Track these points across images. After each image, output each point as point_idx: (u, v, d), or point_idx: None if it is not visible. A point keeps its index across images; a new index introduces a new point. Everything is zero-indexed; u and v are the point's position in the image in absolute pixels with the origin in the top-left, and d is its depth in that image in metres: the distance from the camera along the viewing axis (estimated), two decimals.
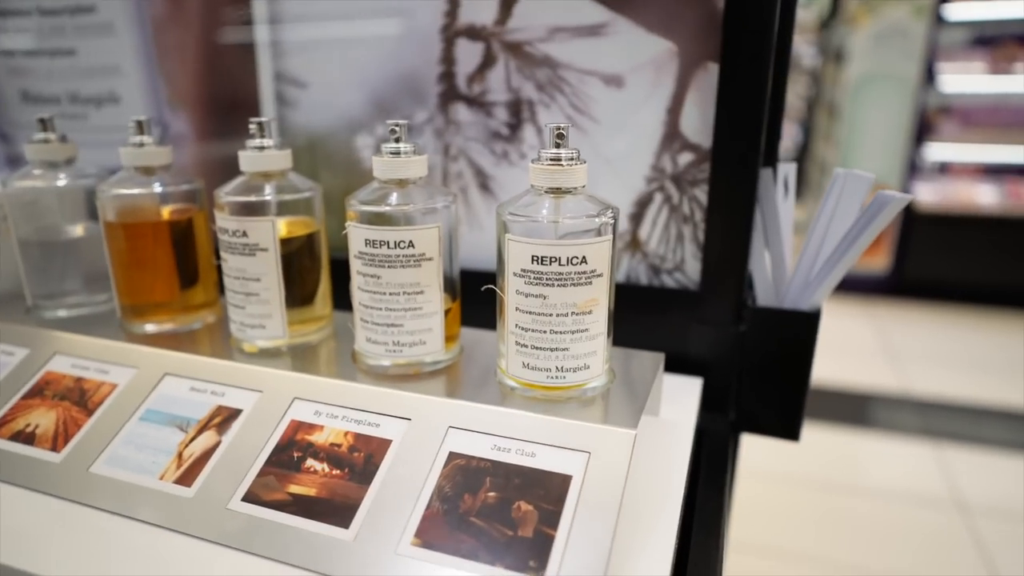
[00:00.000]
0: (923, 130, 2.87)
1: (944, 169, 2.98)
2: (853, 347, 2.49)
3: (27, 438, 0.50)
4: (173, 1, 0.70)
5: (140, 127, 0.54)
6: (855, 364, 2.34)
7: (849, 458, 1.78)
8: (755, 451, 1.68)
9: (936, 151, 2.94)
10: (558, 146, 0.42)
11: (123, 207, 0.55)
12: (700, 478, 0.53)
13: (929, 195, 2.86)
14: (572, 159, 0.42)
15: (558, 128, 0.42)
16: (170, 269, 0.57)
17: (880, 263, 2.98)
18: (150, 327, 0.57)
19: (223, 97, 0.71)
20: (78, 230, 0.61)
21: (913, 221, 2.85)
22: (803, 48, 3.21)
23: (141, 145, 0.54)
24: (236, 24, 0.68)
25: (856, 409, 2.03)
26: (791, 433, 0.62)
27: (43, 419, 0.51)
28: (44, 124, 0.58)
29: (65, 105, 0.77)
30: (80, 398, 0.52)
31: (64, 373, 0.54)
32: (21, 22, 0.76)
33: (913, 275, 2.94)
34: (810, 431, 1.88)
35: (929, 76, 2.80)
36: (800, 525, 1.50)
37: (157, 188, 0.55)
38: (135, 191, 0.55)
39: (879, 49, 2.84)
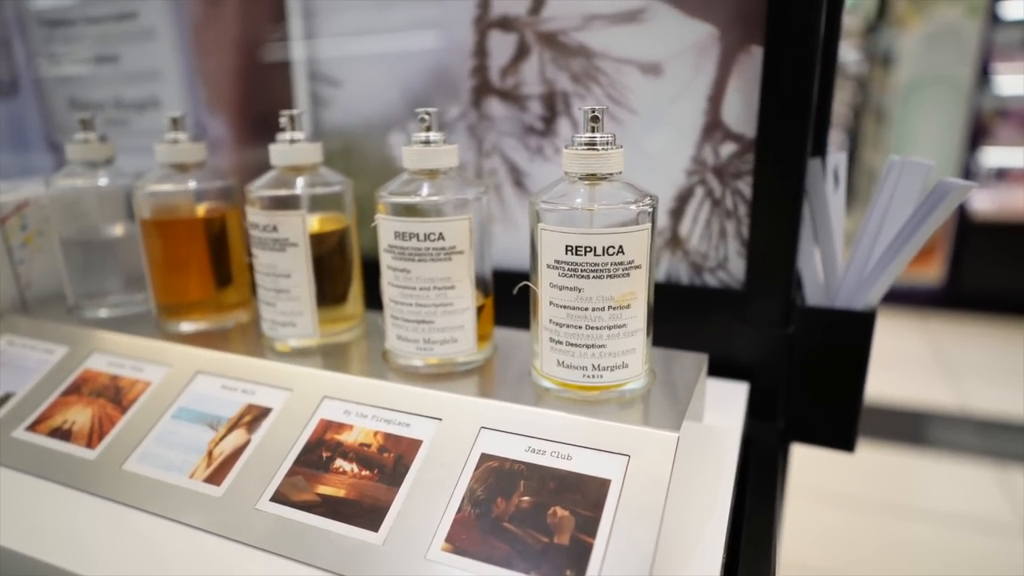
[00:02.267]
0: (978, 134, 2.75)
1: (1001, 175, 2.85)
2: (906, 362, 2.38)
3: (64, 435, 0.50)
4: (211, 4, 0.71)
5: (175, 124, 0.55)
6: (909, 380, 2.24)
7: (904, 479, 1.69)
8: (803, 470, 1.61)
9: (992, 156, 2.81)
10: (593, 130, 0.40)
11: (158, 204, 0.55)
12: (748, 490, 0.50)
13: (986, 203, 2.73)
14: (608, 143, 0.40)
15: (592, 111, 0.40)
16: (204, 267, 0.57)
17: (934, 274, 2.86)
18: (185, 326, 0.57)
19: (259, 99, 0.72)
20: (117, 230, 0.62)
21: (969, 230, 2.73)
22: (849, 54, 3.13)
23: (175, 142, 0.55)
24: (271, 24, 0.68)
25: (911, 427, 1.94)
26: (845, 443, 0.58)
27: (80, 416, 0.51)
28: (84, 124, 0.59)
29: (109, 111, 0.79)
30: (115, 395, 0.51)
31: (101, 371, 0.54)
32: (69, 31, 0.79)
33: (969, 286, 2.80)
34: (862, 449, 1.80)
35: (984, 78, 2.69)
36: (853, 549, 1.43)
37: (191, 185, 0.55)
38: (169, 188, 0.55)
39: (930, 51, 2.74)
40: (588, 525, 0.36)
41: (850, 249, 0.55)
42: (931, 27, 2.72)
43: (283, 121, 0.50)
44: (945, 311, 2.83)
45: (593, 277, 0.40)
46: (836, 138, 3.19)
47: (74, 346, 0.57)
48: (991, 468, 1.70)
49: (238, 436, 0.46)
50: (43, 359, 0.56)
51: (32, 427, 0.51)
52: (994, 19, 2.64)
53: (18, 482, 0.47)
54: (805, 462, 1.64)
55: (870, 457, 1.76)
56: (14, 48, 0.83)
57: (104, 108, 0.79)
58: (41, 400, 0.53)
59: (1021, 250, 2.69)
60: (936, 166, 0.47)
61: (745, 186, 0.56)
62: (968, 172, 2.76)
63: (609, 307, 0.41)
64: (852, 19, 3.09)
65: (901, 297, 2.84)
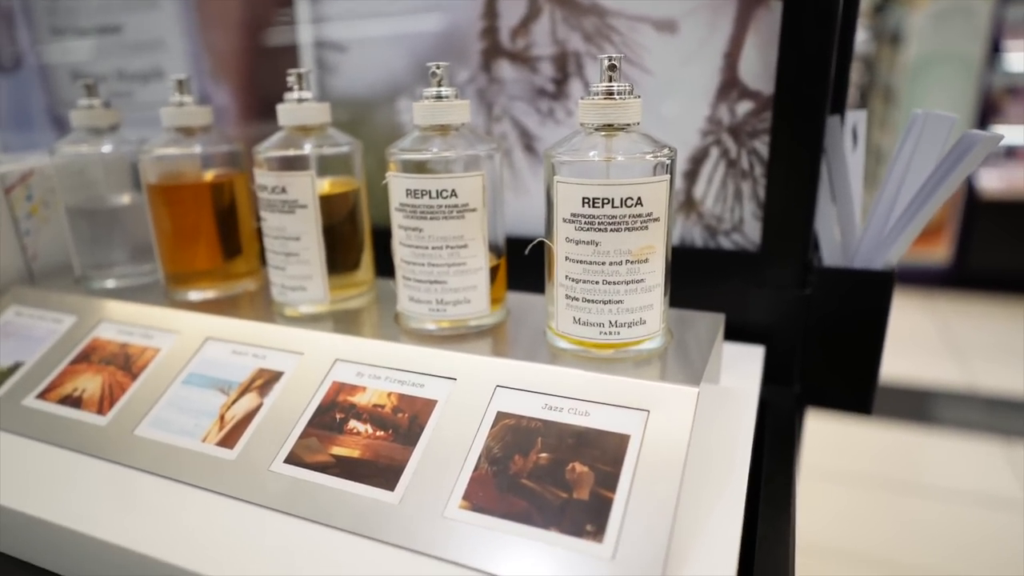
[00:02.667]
0: (988, 112, 2.71)
1: (1011, 153, 2.82)
2: (914, 341, 2.37)
3: (74, 402, 0.49)
4: None
5: (180, 86, 0.54)
6: (917, 358, 2.23)
7: (912, 456, 1.69)
8: (812, 448, 1.61)
9: (1002, 135, 2.78)
10: (610, 79, 0.39)
11: (165, 170, 0.54)
12: (765, 453, 0.49)
13: (994, 181, 2.71)
14: (625, 93, 0.39)
15: (610, 59, 0.39)
16: (212, 235, 0.56)
17: (941, 253, 2.84)
18: (193, 294, 0.56)
19: (264, 66, 0.71)
20: (124, 199, 0.61)
21: (977, 208, 2.70)
22: (856, 33, 3.09)
23: (181, 105, 0.54)
24: None
25: (918, 405, 1.93)
26: (862, 405, 0.57)
27: (90, 383, 0.50)
28: (89, 89, 0.58)
29: (112, 83, 0.78)
30: (125, 363, 0.51)
31: (110, 339, 0.53)
32: (70, 2, 0.77)
33: (977, 265, 2.78)
34: (870, 428, 1.79)
35: (994, 55, 2.65)
36: (861, 526, 1.43)
37: (197, 149, 0.54)
38: (175, 151, 0.54)
39: (939, 29, 2.70)
40: (608, 480, 0.36)
41: (869, 207, 0.54)
42: (941, 4, 2.68)
43: (290, 80, 0.49)
44: (953, 290, 2.81)
45: (611, 230, 0.39)
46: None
47: (82, 315, 0.56)
48: (999, 445, 1.70)
49: (250, 400, 0.45)
50: (51, 329, 0.56)
51: (42, 395, 0.51)
52: None
53: (30, 449, 0.47)
54: (813, 440, 1.63)
55: (878, 435, 1.76)
56: (16, 22, 0.82)
57: (108, 80, 0.78)
58: (50, 369, 0.52)
59: None
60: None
61: (762, 145, 0.54)
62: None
63: (627, 261, 0.40)
64: None
65: (909, 276, 2.82)
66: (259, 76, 0.72)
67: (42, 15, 0.80)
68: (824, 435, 1.70)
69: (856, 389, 0.57)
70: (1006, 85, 2.74)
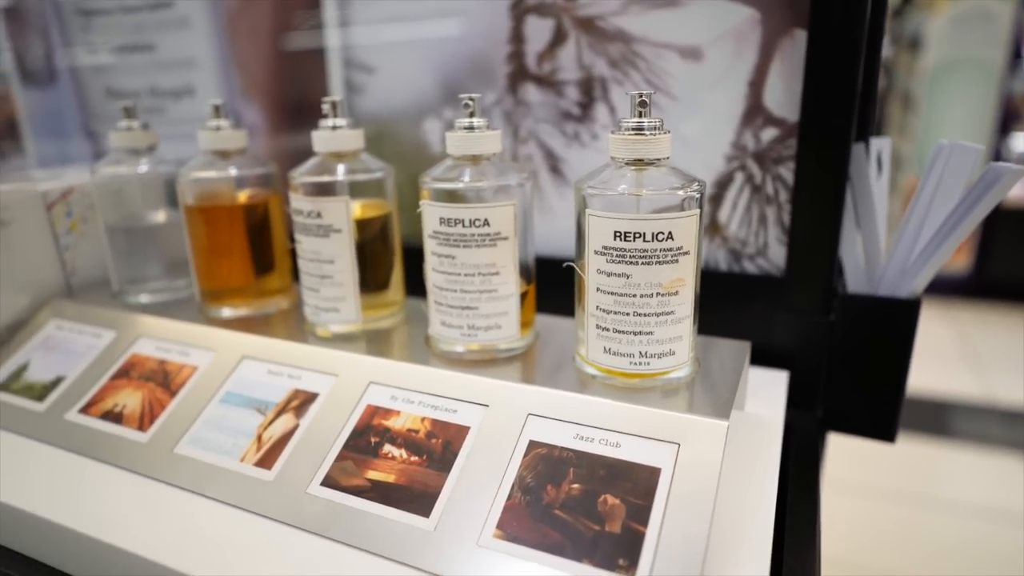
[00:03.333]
0: (1009, 119, 2.69)
1: None
2: (932, 351, 2.35)
3: (116, 417, 0.51)
4: None
5: (217, 111, 0.55)
6: (935, 369, 2.21)
7: (929, 469, 1.68)
8: (829, 460, 1.60)
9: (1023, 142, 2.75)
10: (640, 115, 0.40)
11: (201, 191, 0.56)
12: (789, 479, 0.50)
13: (1016, 189, 2.67)
14: (655, 128, 0.40)
15: (640, 96, 0.40)
16: (245, 253, 0.57)
17: (961, 262, 2.81)
18: (226, 311, 0.58)
19: (294, 86, 0.72)
20: (159, 216, 0.62)
21: (997, 217, 2.68)
22: (881, 61, 3.06)
23: (218, 129, 0.55)
24: (305, 12, 0.68)
25: (936, 418, 1.92)
26: (886, 433, 0.57)
27: (130, 399, 0.52)
28: (127, 112, 0.60)
29: (145, 99, 0.80)
30: (164, 379, 0.52)
31: (148, 355, 0.55)
32: (104, 20, 0.79)
33: (997, 275, 2.75)
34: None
35: (1016, 61, 2.62)
36: (878, 539, 1.42)
37: (233, 172, 0.56)
38: (212, 174, 0.55)
39: (959, 34, 2.68)
40: (639, 513, 0.36)
41: (894, 235, 0.54)
42: (960, 9, 2.66)
43: (325, 108, 0.50)
44: (972, 299, 2.78)
45: (642, 263, 0.40)
46: None
47: (121, 331, 0.58)
48: (1017, 459, 1.68)
49: (286, 421, 0.47)
50: (91, 343, 0.57)
51: (84, 410, 0.52)
52: None
53: (73, 463, 0.49)
54: (831, 453, 1.62)
55: (895, 447, 1.74)
56: (51, 38, 0.84)
57: (140, 96, 0.80)
58: (92, 383, 0.54)
59: None
60: None
61: (786, 172, 0.55)
62: (999, 158, 2.69)
63: (657, 294, 0.41)
64: None
65: (928, 286, 2.79)
66: (289, 93, 0.73)
67: (77, 32, 0.82)
68: (842, 447, 1.69)
69: (880, 416, 0.57)
70: None
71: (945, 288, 2.82)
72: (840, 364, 0.56)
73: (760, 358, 0.58)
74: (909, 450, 1.75)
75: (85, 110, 0.86)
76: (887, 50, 3.05)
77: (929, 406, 1.99)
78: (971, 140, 0.49)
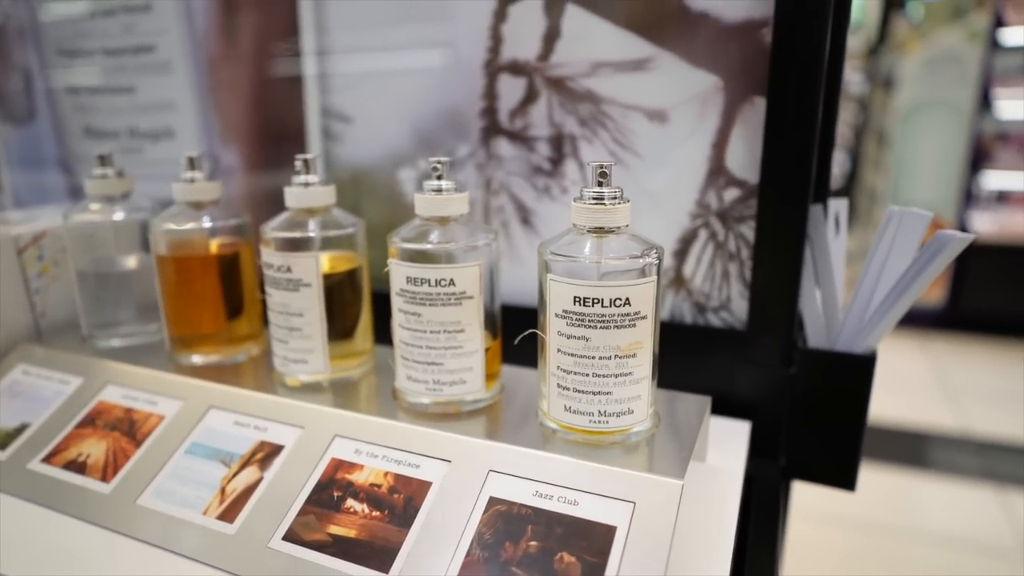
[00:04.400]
0: (979, 158, 2.77)
1: (1002, 198, 2.87)
2: (907, 383, 2.39)
3: (79, 467, 0.51)
4: (227, 39, 0.72)
5: (191, 163, 0.56)
6: (909, 401, 2.24)
7: (904, 501, 1.69)
8: (804, 491, 1.61)
9: (993, 179, 2.84)
10: (600, 184, 0.41)
11: (174, 241, 0.56)
12: (750, 529, 0.51)
13: (986, 225, 2.75)
14: (615, 198, 0.42)
15: (601, 167, 0.41)
16: (217, 301, 0.58)
17: (935, 295, 2.87)
18: (196, 358, 0.58)
19: (272, 131, 0.73)
20: (131, 262, 0.63)
21: (970, 252, 2.71)
22: (850, 75, 3.16)
23: (192, 181, 0.56)
24: (285, 60, 0.70)
25: (911, 449, 1.94)
26: (846, 482, 0.59)
27: (94, 449, 0.52)
28: (103, 160, 0.61)
29: (124, 140, 0.80)
30: (130, 429, 0.53)
31: (115, 403, 0.55)
32: (87, 61, 0.80)
33: (970, 308, 2.81)
34: (862, 471, 1.79)
35: (985, 102, 2.71)
36: (852, 570, 1.43)
37: (207, 223, 0.56)
38: (186, 226, 0.56)
39: (931, 75, 2.77)
40: (594, 571, 0.37)
41: (851, 293, 0.56)
42: (932, 52, 2.75)
43: (298, 165, 0.51)
44: (946, 332, 2.83)
45: (600, 327, 0.41)
46: (838, 159, 3.21)
47: (89, 377, 0.58)
48: (992, 491, 1.70)
49: (250, 473, 0.47)
50: (58, 390, 0.57)
51: (47, 459, 0.52)
52: (994, 45, 2.67)
53: (33, 514, 0.48)
54: (805, 483, 1.64)
55: (870, 479, 1.76)
56: (33, 77, 0.85)
57: (119, 136, 0.81)
58: (56, 432, 0.54)
59: (1022, 272, 2.70)
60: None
61: (748, 230, 0.57)
62: (969, 194, 2.77)
63: (616, 356, 0.42)
64: (854, 40, 3.12)
65: (903, 319, 2.82)
66: (267, 137, 0.74)
67: (58, 72, 0.83)
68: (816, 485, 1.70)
69: (840, 465, 0.58)
70: (996, 131, 2.80)
71: (920, 321, 2.88)
72: (801, 415, 0.58)
73: (723, 408, 0.59)
74: (884, 481, 1.77)
75: (64, 147, 0.86)
76: (863, 87, 3.14)
77: (904, 437, 2.01)
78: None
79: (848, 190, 3.13)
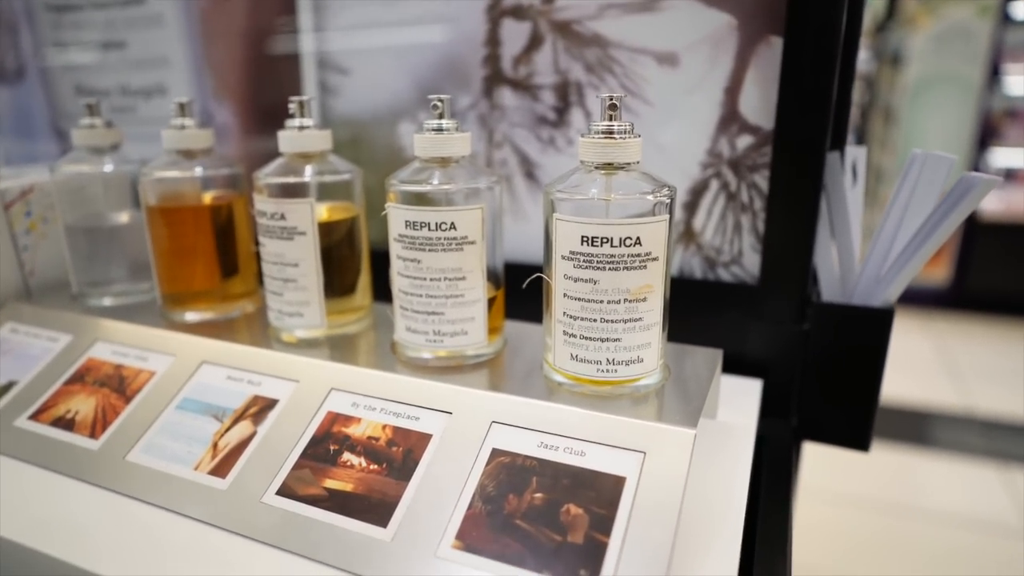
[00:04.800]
0: (987, 135, 2.73)
1: (1010, 175, 2.83)
2: (912, 362, 2.37)
3: (67, 424, 0.49)
4: None
5: (182, 109, 0.54)
6: (914, 380, 2.22)
7: (908, 479, 1.68)
8: (807, 469, 1.60)
9: (1001, 157, 2.80)
10: (611, 118, 0.39)
11: (164, 191, 0.54)
12: (761, 488, 0.49)
13: (994, 203, 2.71)
14: (625, 132, 0.39)
15: (611, 98, 0.39)
16: (210, 256, 0.56)
17: (940, 274, 2.84)
18: (190, 316, 0.56)
19: (267, 87, 0.71)
20: (123, 217, 0.61)
21: (976, 230, 2.71)
22: (856, 70, 3.10)
23: (182, 128, 0.54)
24: (280, 13, 0.67)
25: (916, 427, 1.93)
26: (860, 442, 0.57)
27: (83, 405, 0.50)
28: (91, 109, 0.58)
29: (115, 97, 0.78)
30: (119, 385, 0.51)
31: (105, 360, 0.53)
32: (75, 16, 0.78)
33: (976, 287, 2.79)
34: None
35: (994, 78, 2.67)
36: (856, 548, 1.42)
37: (198, 172, 0.54)
38: (175, 174, 0.54)
39: (940, 51, 2.72)
40: (603, 523, 0.35)
41: (868, 244, 0.54)
42: (941, 27, 2.70)
43: (292, 107, 0.49)
44: (951, 311, 2.81)
45: (609, 269, 0.39)
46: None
47: (78, 335, 0.56)
48: (995, 469, 1.69)
49: (244, 428, 0.45)
50: (47, 347, 0.55)
51: (34, 416, 0.50)
52: (1005, 19, 2.62)
53: (20, 471, 0.47)
54: (809, 461, 1.63)
55: (874, 457, 1.75)
56: (20, 34, 0.82)
57: (110, 95, 0.78)
58: (44, 389, 0.52)
59: None
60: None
61: (761, 180, 0.55)
62: (977, 171, 2.73)
63: (625, 300, 0.40)
64: None
65: (907, 297, 2.81)
66: (262, 94, 0.72)
67: (46, 28, 0.80)
68: (819, 455, 1.70)
69: (854, 425, 0.56)
70: (1005, 108, 2.75)
71: (924, 300, 2.85)
72: (814, 373, 0.56)
73: (734, 366, 0.57)
74: (888, 459, 1.75)
75: (54, 108, 0.84)
76: (870, 65, 3.09)
77: (908, 416, 2.00)
78: (950, 153, 0.49)
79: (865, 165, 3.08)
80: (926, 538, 1.43)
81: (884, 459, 1.74)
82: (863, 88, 3.14)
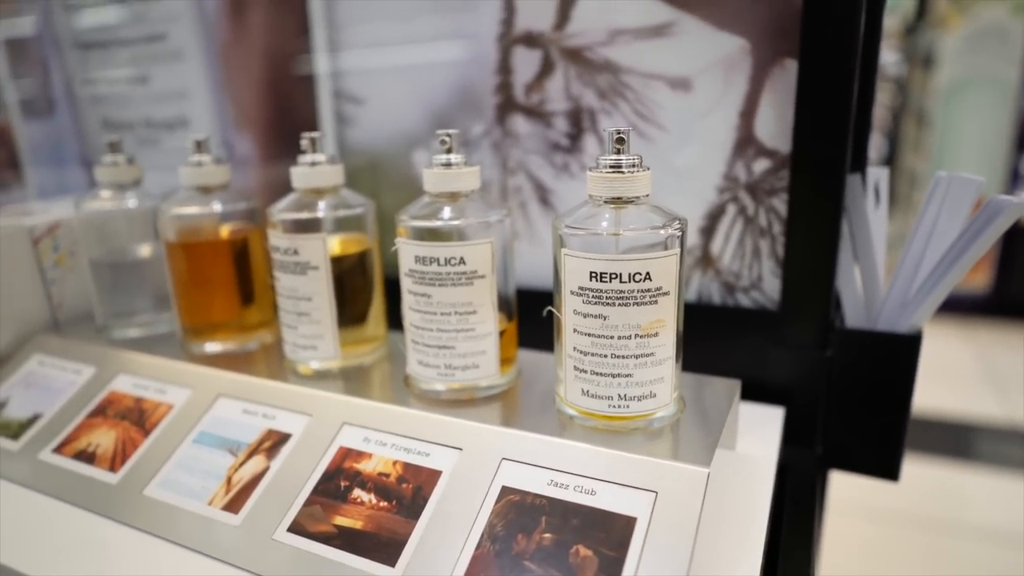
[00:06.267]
0: None
1: None
2: (951, 372, 2.29)
3: (88, 457, 0.50)
4: (238, 25, 0.71)
5: (199, 147, 0.55)
6: (954, 391, 2.15)
7: (950, 493, 1.62)
8: (845, 484, 1.56)
9: None
10: (618, 151, 0.39)
11: (182, 227, 0.55)
12: (784, 521, 0.47)
13: None
14: (634, 166, 0.39)
15: (618, 132, 0.38)
16: (228, 288, 0.57)
17: (981, 281, 2.75)
18: (209, 347, 0.57)
19: (285, 117, 0.72)
20: (145, 251, 0.62)
21: (1017, 235, 2.62)
22: (887, 55, 3.04)
23: (200, 164, 0.55)
24: (297, 46, 0.68)
25: (957, 440, 1.86)
26: (889, 472, 0.55)
27: (104, 439, 0.51)
28: (112, 147, 0.60)
29: (140, 130, 0.80)
30: (139, 418, 0.52)
31: (125, 392, 0.54)
32: (101, 54, 0.80)
33: (1017, 293, 2.69)
34: (907, 464, 1.73)
35: None
36: (896, 566, 1.37)
37: (216, 208, 0.55)
38: (194, 210, 0.55)
39: (973, 52, 2.65)
40: (612, 566, 0.35)
41: (894, 269, 0.52)
42: (974, 27, 2.63)
43: (304, 144, 0.50)
44: (992, 319, 2.72)
45: (619, 304, 0.38)
46: (875, 142, 3.10)
47: (101, 367, 0.57)
48: None
49: (257, 463, 0.45)
50: (71, 380, 0.57)
51: (58, 449, 0.52)
52: None
53: (42, 505, 0.48)
54: (848, 477, 1.58)
55: (915, 471, 1.69)
56: (51, 71, 0.85)
57: (135, 127, 0.80)
58: (68, 421, 0.53)
59: None
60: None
61: (780, 203, 0.53)
62: (1016, 176, 2.65)
63: (636, 335, 0.39)
64: (890, 19, 3.00)
65: (946, 304, 2.70)
66: (280, 125, 0.73)
67: (75, 64, 0.83)
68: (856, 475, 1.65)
69: (882, 453, 0.55)
70: None
71: (964, 307, 2.76)
72: (839, 400, 0.54)
73: (755, 394, 0.56)
74: (928, 474, 1.70)
75: (83, 140, 0.86)
76: (900, 68, 3.02)
77: (949, 428, 1.93)
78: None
79: (889, 184, 3.01)
80: (968, 556, 1.38)
81: (924, 473, 1.69)
82: (894, 91, 3.07)
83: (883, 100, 3.08)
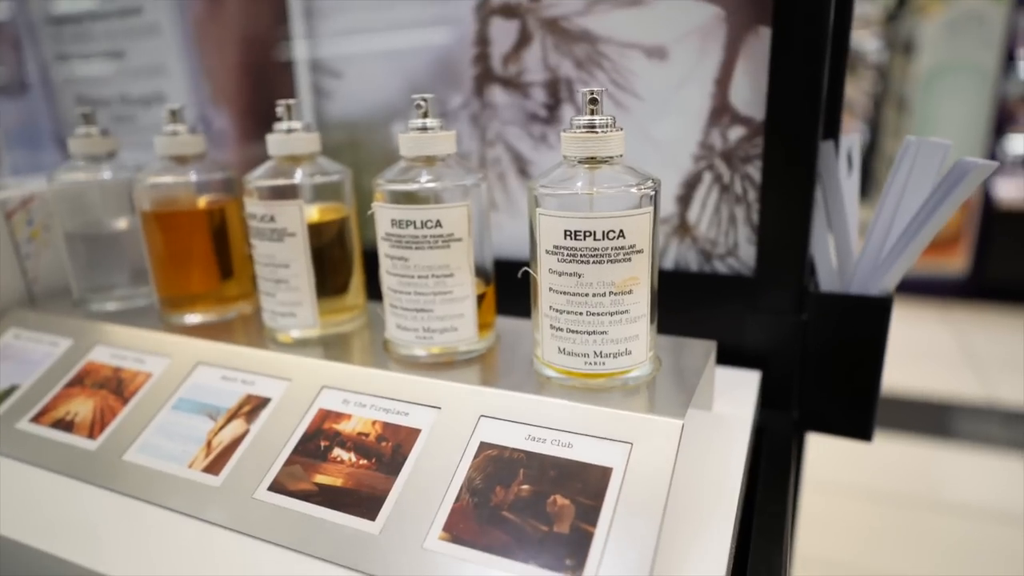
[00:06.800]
0: (1003, 121, 2.68)
1: None
2: (931, 353, 2.33)
3: (66, 426, 0.50)
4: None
5: (173, 115, 0.54)
6: (933, 371, 2.19)
7: (928, 471, 1.66)
8: (824, 461, 1.58)
9: (1018, 144, 2.74)
10: (592, 112, 0.39)
11: (158, 197, 0.55)
12: (760, 481, 0.48)
13: (1011, 191, 2.66)
14: (607, 126, 0.39)
15: (591, 92, 0.39)
16: (206, 259, 0.56)
17: (958, 264, 2.80)
18: (188, 318, 0.57)
19: (263, 93, 0.71)
20: (121, 223, 0.62)
21: (994, 218, 2.66)
22: (868, 42, 3.06)
23: (175, 134, 0.54)
24: (273, 18, 0.68)
25: (936, 419, 1.90)
26: (862, 432, 0.56)
27: (82, 407, 0.51)
28: (86, 118, 0.59)
29: (116, 107, 0.79)
30: (117, 387, 0.51)
31: (103, 363, 0.54)
32: (74, 28, 0.79)
33: (994, 276, 2.74)
34: (885, 442, 1.76)
35: (1009, 64, 2.62)
36: (874, 542, 1.40)
37: (192, 177, 0.55)
38: (169, 180, 0.55)
39: (953, 38, 2.68)
40: (589, 514, 0.35)
41: (865, 233, 0.53)
42: (954, 14, 2.66)
43: (280, 111, 0.49)
44: (970, 301, 2.77)
45: (593, 262, 0.39)
46: (856, 127, 3.13)
47: (78, 339, 0.57)
48: (1018, 460, 1.66)
49: (237, 426, 0.46)
50: (48, 352, 0.56)
51: (35, 418, 0.51)
52: (1020, 4, 2.57)
53: (21, 472, 0.48)
54: (828, 455, 1.61)
55: (894, 449, 1.73)
56: (24, 48, 0.84)
57: (111, 104, 0.79)
58: (45, 392, 0.53)
59: None
60: (959, 153, 0.45)
61: (755, 170, 0.54)
62: (993, 159, 2.67)
63: (610, 293, 0.40)
64: (872, 7, 3.03)
65: (925, 287, 2.78)
66: (257, 99, 0.72)
67: (49, 41, 0.82)
68: (836, 449, 1.68)
69: (856, 415, 0.56)
70: (1022, 94, 2.70)
71: (943, 290, 2.81)
72: (814, 364, 0.55)
73: (732, 358, 0.57)
74: (908, 452, 1.73)
75: (57, 119, 0.85)
76: (882, 55, 3.04)
77: (928, 407, 1.97)
78: (966, 142, 0.48)
79: (867, 160, 3.04)
80: (948, 531, 1.41)
81: (904, 451, 1.72)
82: (875, 78, 3.10)
83: (865, 87, 3.11)
